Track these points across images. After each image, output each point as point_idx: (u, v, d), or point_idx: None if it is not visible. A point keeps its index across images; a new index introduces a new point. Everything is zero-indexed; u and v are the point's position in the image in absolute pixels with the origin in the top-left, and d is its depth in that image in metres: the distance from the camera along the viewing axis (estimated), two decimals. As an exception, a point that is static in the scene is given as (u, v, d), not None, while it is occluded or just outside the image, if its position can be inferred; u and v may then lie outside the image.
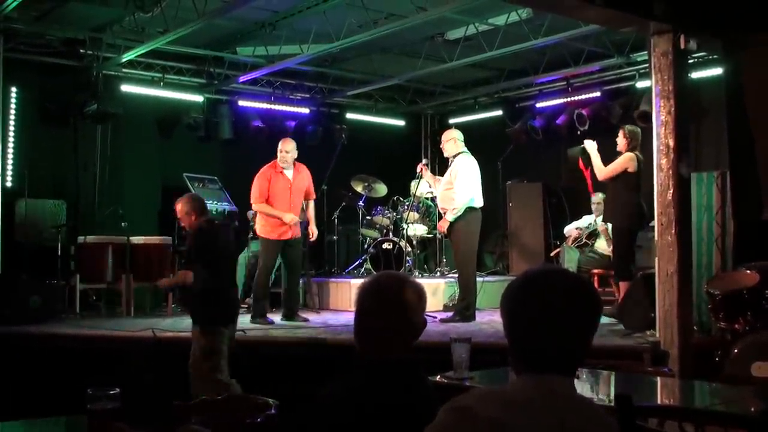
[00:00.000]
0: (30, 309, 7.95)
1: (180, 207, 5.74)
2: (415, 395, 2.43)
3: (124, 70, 10.58)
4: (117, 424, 2.53)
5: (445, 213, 8.22)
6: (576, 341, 1.92)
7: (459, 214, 7.95)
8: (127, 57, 9.88)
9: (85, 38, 9.84)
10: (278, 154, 8.34)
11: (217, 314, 5.50)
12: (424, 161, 8.95)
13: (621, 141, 7.62)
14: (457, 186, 8.02)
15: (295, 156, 8.41)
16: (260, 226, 8.35)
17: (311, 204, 8.64)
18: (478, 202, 8.12)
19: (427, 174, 8.75)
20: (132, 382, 6.00)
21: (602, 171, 7.56)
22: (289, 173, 8.34)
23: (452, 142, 8.27)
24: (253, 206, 8.44)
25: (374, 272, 9.24)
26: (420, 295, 2.54)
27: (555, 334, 1.88)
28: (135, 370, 6.63)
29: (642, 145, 7.67)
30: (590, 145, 7.73)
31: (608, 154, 7.73)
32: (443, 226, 8.17)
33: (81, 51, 10.02)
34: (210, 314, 5.53)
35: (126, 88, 10.52)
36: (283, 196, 8.26)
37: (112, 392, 2.53)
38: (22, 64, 9.78)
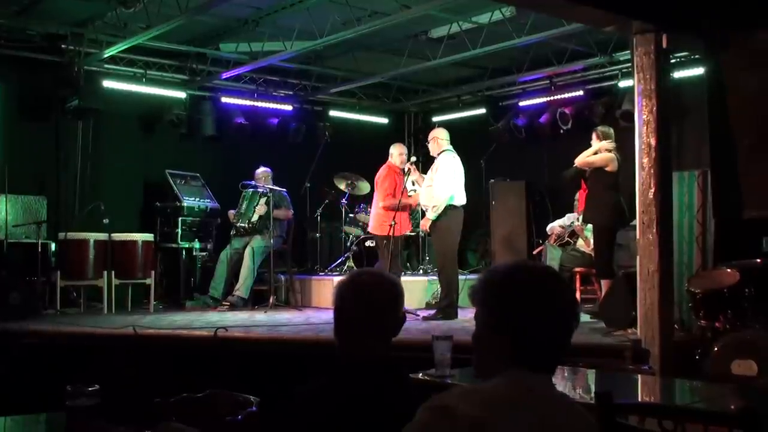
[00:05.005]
0: (9, 305, 7.87)
1: None
2: (396, 394, 2.43)
3: (106, 65, 10.49)
4: (96, 421, 2.51)
5: (427, 211, 8.24)
6: (556, 339, 1.92)
7: (440, 211, 7.97)
8: (109, 52, 9.81)
9: (67, 33, 9.75)
10: (401, 158, 8.86)
11: None
12: (413, 159, 8.91)
13: (596, 143, 7.70)
14: (436, 183, 8.04)
15: None
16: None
17: None
18: (459, 199, 8.13)
19: (415, 173, 8.75)
20: (112, 379, 5.98)
21: (581, 158, 7.65)
22: None
23: (433, 141, 8.32)
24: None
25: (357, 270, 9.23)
26: (397, 290, 2.54)
27: (534, 332, 1.89)
28: (115, 367, 6.59)
29: (624, 144, 7.71)
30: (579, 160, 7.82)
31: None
32: (425, 224, 8.21)
33: (62, 46, 9.93)
34: None
35: (108, 83, 10.41)
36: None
37: (91, 389, 2.51)
38: (2, 59, 9.69)
